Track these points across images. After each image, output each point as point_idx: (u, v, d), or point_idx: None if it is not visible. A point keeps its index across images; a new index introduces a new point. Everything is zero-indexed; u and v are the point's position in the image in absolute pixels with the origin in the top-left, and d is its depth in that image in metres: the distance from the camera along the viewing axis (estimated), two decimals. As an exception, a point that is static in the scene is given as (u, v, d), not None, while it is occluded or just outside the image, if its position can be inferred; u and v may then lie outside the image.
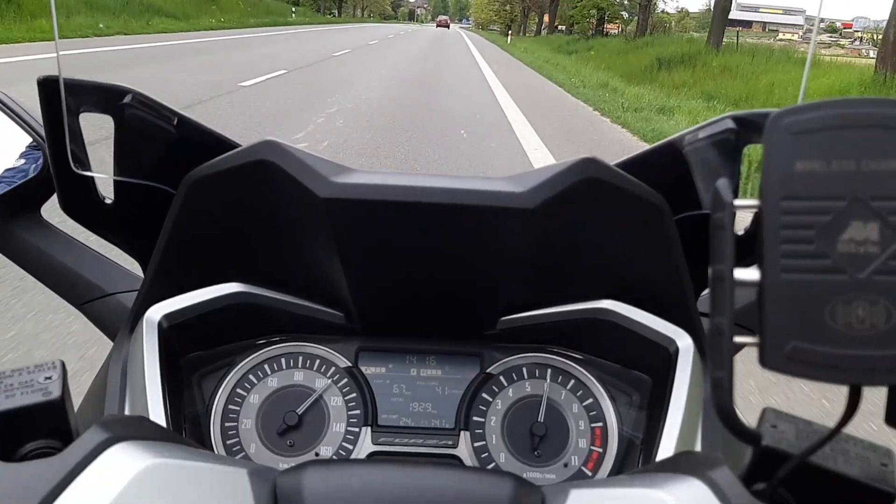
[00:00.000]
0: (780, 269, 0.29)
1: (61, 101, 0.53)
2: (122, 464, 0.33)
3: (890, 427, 0.33)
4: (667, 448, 0.52)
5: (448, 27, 77.21)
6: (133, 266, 0.70)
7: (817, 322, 0.28)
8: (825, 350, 0.28)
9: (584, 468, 0.61)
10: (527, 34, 58.08)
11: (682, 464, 0.37)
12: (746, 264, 0.30)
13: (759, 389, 2.18)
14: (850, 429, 0.33)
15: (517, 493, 0.36)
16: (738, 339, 0.29)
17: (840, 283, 0.28)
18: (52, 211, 0.69)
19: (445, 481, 0.36)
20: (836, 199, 0.28)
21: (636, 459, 0.59)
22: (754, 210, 0.30)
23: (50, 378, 0.39)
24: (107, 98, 0.58)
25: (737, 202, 0.29)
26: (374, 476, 0.36)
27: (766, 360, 0.28)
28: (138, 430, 0.37)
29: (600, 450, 0.61)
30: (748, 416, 0.59)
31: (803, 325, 0.28)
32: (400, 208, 0.52)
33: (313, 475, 0.36)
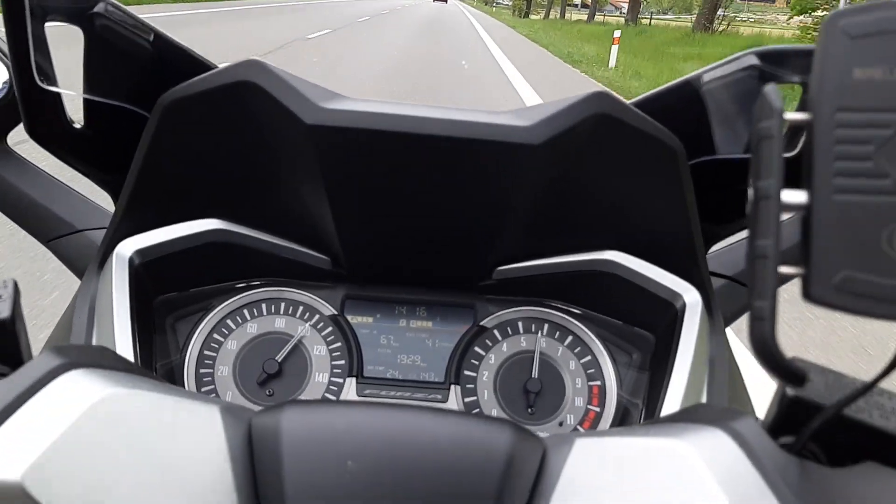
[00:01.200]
0: (833, 190, 0.25)
1: (24, 4, 0.48)
2: (77, 391, 0.29)
3: None
4: (671, 408, 0.49)
5: (446, 1, 64.55)
6: (105, 202, 0.66)
7: (873, 249, 0.24)
8: (881, 281, 0.24)
9: (579, 427, 0.58)
10: (548, 16, 38.15)
11: (699, 414, 0.33)
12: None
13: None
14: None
15: (517, 441, 0.32)
16: (780, 268, 0.25)
17: None
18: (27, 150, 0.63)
19: (439, 425, 0.33)
20: None
21: (636, 420, 0.56)
22: (803, 123, 0.26)
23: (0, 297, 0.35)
24: (76, 6, 0.53)
25: (788, 115, 0.26)
26: (359, 417, 0.33)
27: (811, 292, 0.25)
28: (98, 358, 0.33)
29: (597, 409, 0.58)
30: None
31: (857, 252, 0.25)
32: (393, 139, 0.48)
33: (293, 415, 0.32)
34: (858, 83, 0.25)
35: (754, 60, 0.55)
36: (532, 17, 40.49)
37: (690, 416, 0.34)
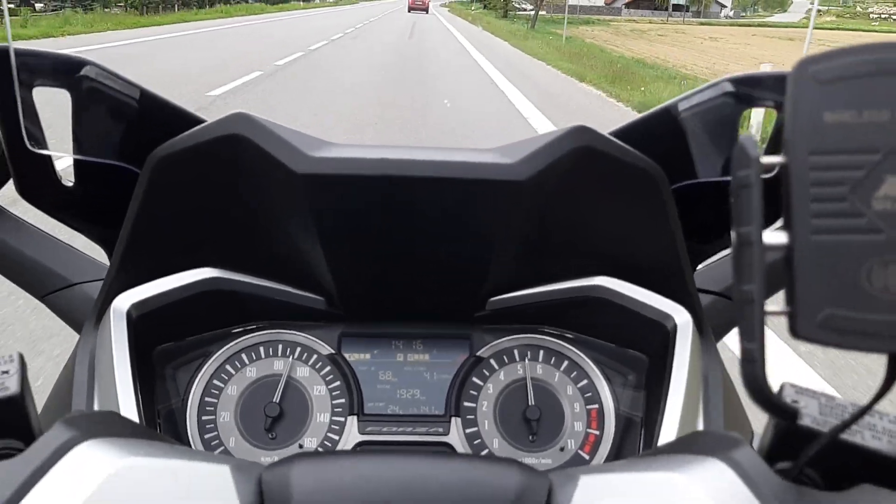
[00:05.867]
0: (811, 231, 0.26)
1: (12, 72, 0.49)
2: (90, 464, 0.30)
3: None
4: (669, 428, 0.50)
5: (427, 10, 49.09)
6: (98, 254, 0.66)
7: (852, 286, 0.26)
8: (862, 316, 0.25)
9: (581, 451, 0.59)
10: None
11: (698, 444, 0.34)
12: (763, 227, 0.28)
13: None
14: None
15: (523, 481, 0.33)
16: (767, 308, 0.27)
17: (876, 243, 0.25)
18: (14, 203, 0.64)
19: (446, 471, 0.33)
20: (870, 152, 0.26)
21: (636, 441, 0.57)
22: (778, 167, 0.27)
23: (7, 372, 0.35)
24: (62, 70, 0.54)
25: (764, 159, 0.27)
26: (367, 468, 0.33)
27: (798, 330, 0.26)
28: (107, 426, 0.33)
29: (597, 432, 0.59)
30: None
31: (837, 290, 0.26)
32: (383, 183, 0.49)
33: (302, 469, 0.33)
34: (829, 127, 0.26)
35: (729, 87, 0.57)
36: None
37: (690, 446, 0.35)
